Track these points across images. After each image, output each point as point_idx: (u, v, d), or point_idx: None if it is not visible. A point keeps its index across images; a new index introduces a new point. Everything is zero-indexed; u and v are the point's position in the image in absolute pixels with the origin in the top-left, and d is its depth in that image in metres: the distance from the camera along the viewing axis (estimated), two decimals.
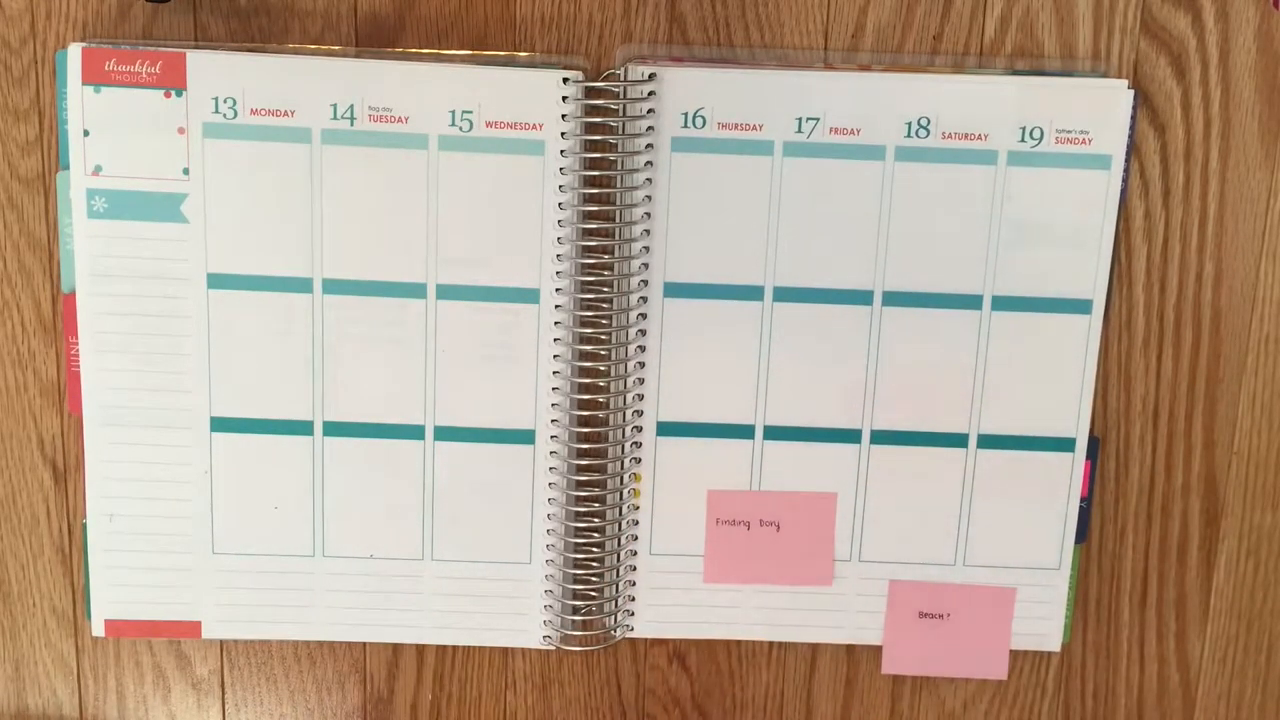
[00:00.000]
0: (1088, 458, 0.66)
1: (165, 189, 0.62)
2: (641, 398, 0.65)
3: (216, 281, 0.63)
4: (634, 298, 0.64)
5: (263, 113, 0.61)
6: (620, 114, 0.62)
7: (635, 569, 0.67)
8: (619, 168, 0.62)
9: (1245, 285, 0.66)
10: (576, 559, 0.66)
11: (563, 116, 0.62)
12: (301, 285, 0.63)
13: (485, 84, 0.62)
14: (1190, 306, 0.66)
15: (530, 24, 0.62)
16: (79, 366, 0.64)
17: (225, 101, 0.61)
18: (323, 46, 0.62)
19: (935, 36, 0.63)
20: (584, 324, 0.64)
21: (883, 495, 0.66)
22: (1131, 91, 0.62)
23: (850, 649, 0.69)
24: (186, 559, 0.66)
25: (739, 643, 0.69)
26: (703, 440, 0.65)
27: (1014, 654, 0.69)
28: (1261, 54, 0.63)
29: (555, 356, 0.64)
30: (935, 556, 0.67)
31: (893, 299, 0.64)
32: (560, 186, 0.62)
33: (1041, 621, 0.68)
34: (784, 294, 0.64)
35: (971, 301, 0.64)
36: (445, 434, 0.65)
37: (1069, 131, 0.62)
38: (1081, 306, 0.64)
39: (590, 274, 0.63)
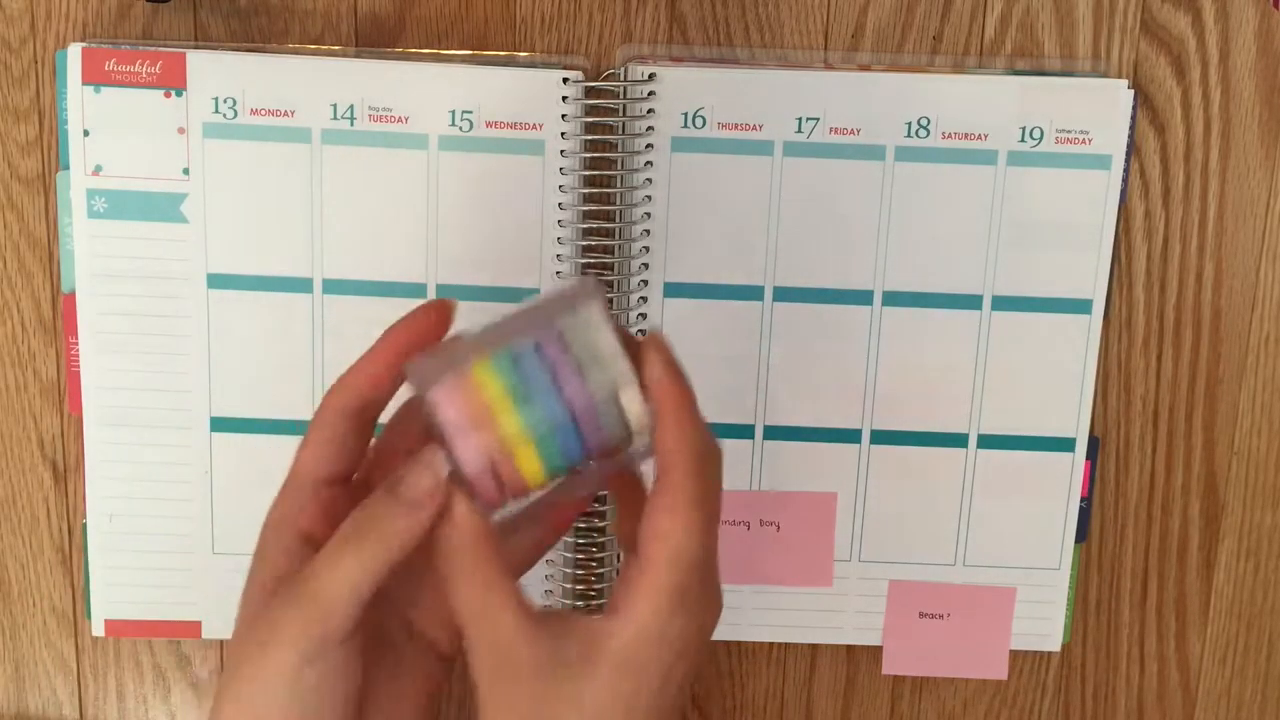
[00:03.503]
0: (1088, 458, 0.66)
1: (165, 189, 0.62)
2: None
3: (216, 281, 0.63)
4: (634, 298, 0.64)
5: (263, 113, 0.61)
6: (620, 114, 0.62)
7: None
8: (619, 168, 0.62)
9: (1245, 285, 0.66)
10: (577, 559, 0.66)
11: (563, 116, 0.62)
12: (301, 285, 0.63)
13: (485, 84, 0.62)
14: (1190, 306, 0.66)
15: (530, 24, 0.62)
16: (79, 366, 0.64)
17: (225, 101, 0.61)
18: (323, 46, 0.62)
19: (935, 36, 0.63)
20: None
21: (883, 495, 0.66)
22: (1131, 91, 0.62)
23: (850, 649, 0.69)
24: (186, 559, 0.66)
25: (739, 643, 0.69)
26: None
27: (1014, 654, 0.69)
28: (1261, 54, 0.63)
29: None
30: (935, 556, 0.67)
31: (893, 299, 0.64)
32: (560, 186, 0.62)
33: (1041, 621, 0.68)
34: (784, 294, 0.64)
35: (971, 301, 0.64)
36: None
37: (1069, 131, 0.62)
38: (1081, 306, 0.64)
39: (590, 274, 0.63)
